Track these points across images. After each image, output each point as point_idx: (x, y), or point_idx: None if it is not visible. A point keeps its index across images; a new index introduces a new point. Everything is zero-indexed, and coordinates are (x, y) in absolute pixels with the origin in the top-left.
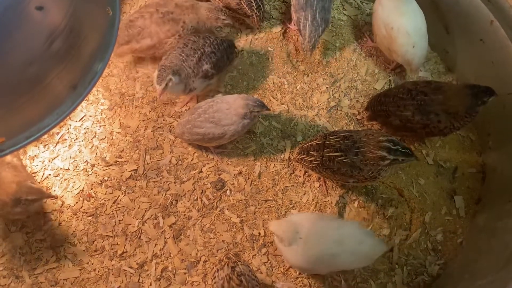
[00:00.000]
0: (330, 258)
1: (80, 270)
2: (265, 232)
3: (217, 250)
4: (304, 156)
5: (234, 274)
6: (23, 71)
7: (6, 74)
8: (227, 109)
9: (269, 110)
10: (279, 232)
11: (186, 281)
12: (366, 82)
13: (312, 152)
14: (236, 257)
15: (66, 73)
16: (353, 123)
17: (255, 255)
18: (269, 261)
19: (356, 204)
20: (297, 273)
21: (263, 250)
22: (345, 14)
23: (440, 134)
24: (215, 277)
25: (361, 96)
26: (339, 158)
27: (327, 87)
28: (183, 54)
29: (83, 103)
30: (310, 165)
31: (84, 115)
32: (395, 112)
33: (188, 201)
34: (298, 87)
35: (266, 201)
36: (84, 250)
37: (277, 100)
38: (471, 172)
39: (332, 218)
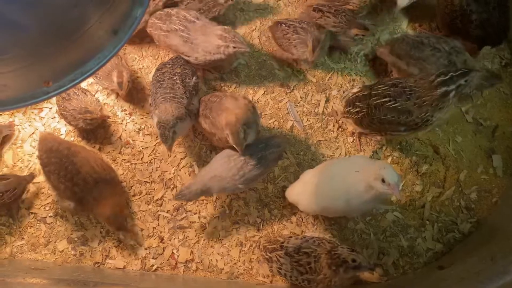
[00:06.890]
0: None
1: None
2: None
3: (249, 200)
4: (350, 108)
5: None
6: (68, 12)
7: (53, 14)
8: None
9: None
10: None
11: (220, 227)
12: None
13: (358, 103)
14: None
15: (107, 18)
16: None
17: (285, 206)
18: (299, 212)
19: (389, 160)
20: (326, 224)
21: None
22: None
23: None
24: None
25: None
26: (387, 104)
27: (366, 40)
28: (169, 93)
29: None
30: (357, 117)
31: None
32: None
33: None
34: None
35: (298, 154)
36: None
37: None
38: None
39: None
